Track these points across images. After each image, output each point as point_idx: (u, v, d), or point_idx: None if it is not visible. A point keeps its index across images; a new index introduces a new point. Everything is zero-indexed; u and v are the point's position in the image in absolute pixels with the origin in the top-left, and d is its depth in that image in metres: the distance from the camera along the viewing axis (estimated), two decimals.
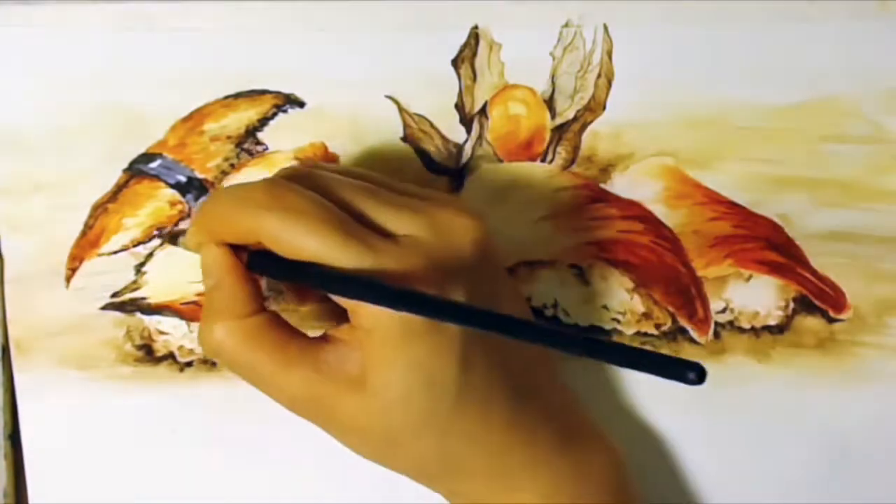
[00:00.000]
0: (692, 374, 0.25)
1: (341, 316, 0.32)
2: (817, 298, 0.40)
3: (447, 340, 0.31)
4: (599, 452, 0.36)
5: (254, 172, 0.38)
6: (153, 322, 0.39)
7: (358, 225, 0.31)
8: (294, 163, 0.38)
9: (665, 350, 0.40)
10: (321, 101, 0.38)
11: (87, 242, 0.38)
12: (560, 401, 0.36)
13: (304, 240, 0.30)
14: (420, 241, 0.31)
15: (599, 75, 0.38)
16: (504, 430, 0.33)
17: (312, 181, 0.32)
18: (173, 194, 0.38)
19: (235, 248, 0.33)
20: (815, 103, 0.39)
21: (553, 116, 0.39)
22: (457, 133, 0.39)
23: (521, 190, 0.39)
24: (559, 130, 0.39)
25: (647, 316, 0.40)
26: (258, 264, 0.33)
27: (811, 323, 0.40)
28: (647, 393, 0.40)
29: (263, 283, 0.39)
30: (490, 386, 0.32)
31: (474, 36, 0.38)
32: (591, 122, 0.39)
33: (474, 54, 0.38)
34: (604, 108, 0.39)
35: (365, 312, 0.31)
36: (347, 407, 0.32)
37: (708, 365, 0.26)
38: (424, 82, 0.38)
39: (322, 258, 0.30)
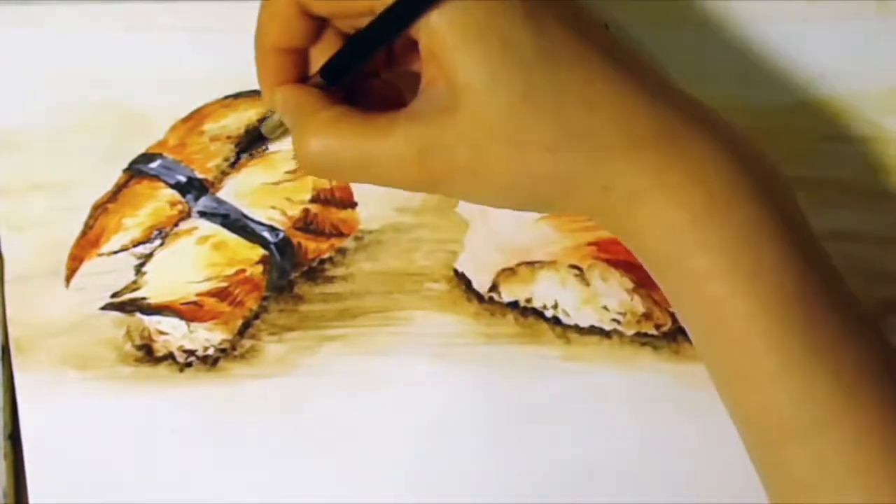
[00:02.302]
0: None
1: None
2: None
3: (505, 4, 0.30)
4: (747, 141, 0.32)
5: (254, 172, 0.38)
6: (153, 322, 0.39)
7: None
8: (296, 164, 0.38)
9: (665, 351, 0.40)
10: None
11: (86, 242, 0.38)
12: (670, 83, 0.33)
13: None
14: None
15: None
16: (622, 95, 0.30)
17: None
18: (173, 194, 0.38)
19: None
20: (815, 103, 0.39)
21: None
22: None
23: None
24: None
25: (647, 316, 0.40)
26: (332, 71, 0.32)
27: None
28: (647, 393, 0.40)
29: (264, 282, 0.39)
30: (578, 46, 0.30)
31: None
32: None
33: None
34: None
35: (429, 37, 0.30)
36: (454, 133, 0.30)
37: None
38: None
39: None
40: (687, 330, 0.33)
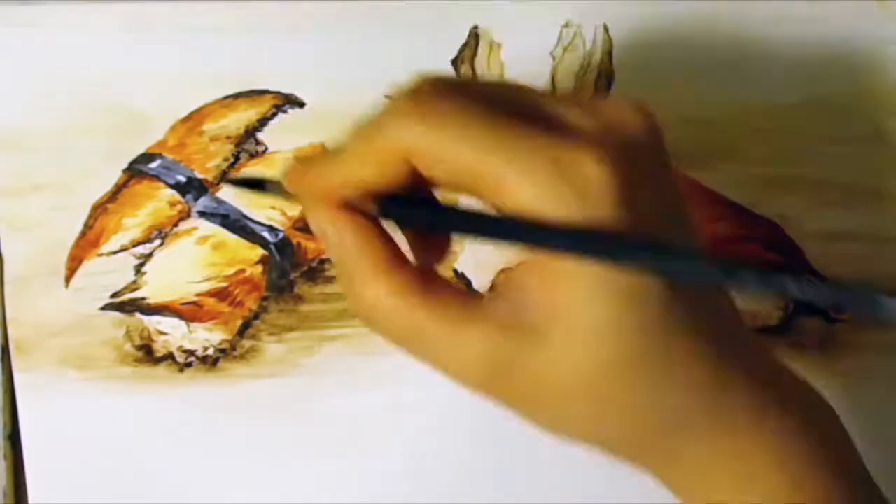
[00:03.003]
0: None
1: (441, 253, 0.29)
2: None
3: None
4: (818, 407, 0.30)
5: (254, 173, 0.38)
6: (153, 322, 0.39)
7: (525, 117, 0.26)
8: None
9: None
10: (321, 101, 0.38)
11: (86, 242, 0.38)
12: (762, 351, 0.30)
13: (464, 144, 0.25)
14: (593, 129, 0.26)
15: (599, 75, 0.38)
16: (723, 365, 0.27)
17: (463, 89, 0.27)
18: (173, 194, 0.38)
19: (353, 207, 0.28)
20: (815, 103, 0.39)
21: None
22: None
23: None
24: None
25: None
26: (393, 212, 0.28)
27: (811, 323, 0.40)
28: None
29: (264, 282, 0.39)
30: (698, 308, 0.27)
31: (474, 36, 0.38)
32: None
33: (474, 54, 0.38)
34: None
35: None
36: (534, 361, 0.26)
37: None
38: None
39: (494, 168, 0.25)
40: None
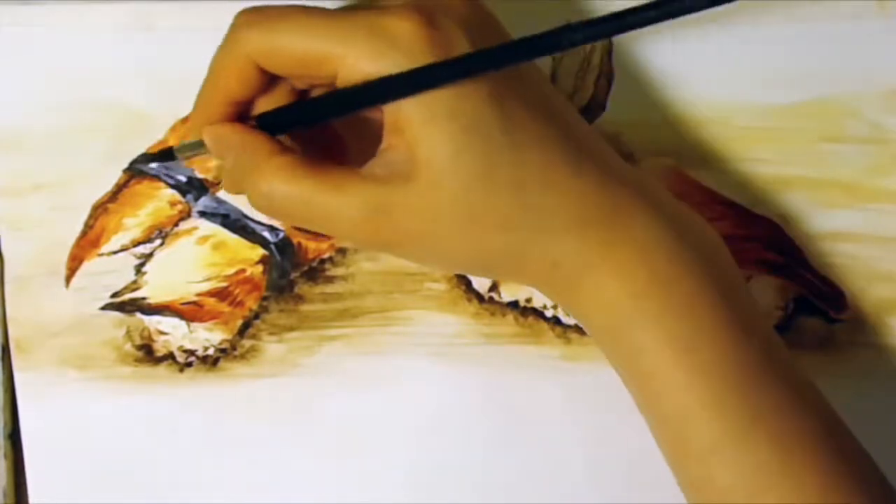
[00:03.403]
0: None
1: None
2: (817, 298, 0.40)
3: (474, 87, 0.30)
4: (692, 218, 0.34)
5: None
6: (153, 322, 0.39)
7: (350, 9, 0.31)
8: None
9: None
10: None
11: (87, 242, 0.38)
12: (621, 162, 0.34)
13: (300, 33, 0.30)
14: (413, 1, 0.31)
15: (599, 75, 0.38)
16: (576, 173, 0.32)
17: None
18: (173, 194, 0.38)
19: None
20: (815, 103, 0.39)
21: None
22: None
23: None
24: None
25: None
26: (273, 123, 0.32)
27: (811, 323, 0.40)
28: None
29: (264, 282, 0.39)
30: (540, 128, 0.32)
31: None
32: (591, 122, 0.39)
33: None
34: (604, 108, 0.39)
35: (395, 111, 0.31)
36: (410, 202, 0.31)
37: None
38: None
39: (323, 48, 0.30)
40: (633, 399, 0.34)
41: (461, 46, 0.31)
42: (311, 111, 0.32)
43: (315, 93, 0.33)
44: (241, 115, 0.33)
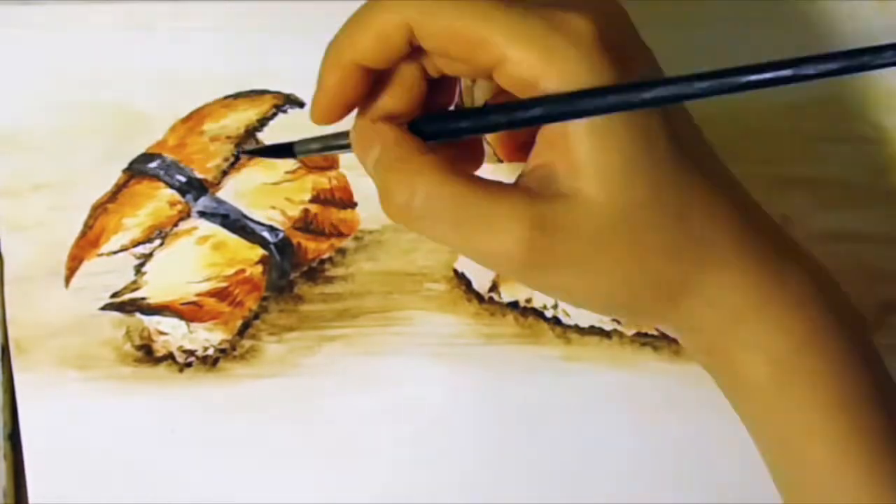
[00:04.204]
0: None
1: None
2: None
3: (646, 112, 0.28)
4: (806, 254, 0.32)
5: (254, 172, 0.38)
6: (153, 322, 0.39)
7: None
8: (296, 164, 0.38)
9: (665, 351, 0.40)
10: None
11: (86, 242, 0.38)
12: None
13: (462, 12, 0.27)
14: (584, 2, 0.28)
15: None
16: (739, 208, 0.30)
17: None
18: (173, 194, 0.38)
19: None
20: (815, 103, 0.39)
21: None
22: None
23: None
24: None
25: None
26: (428, 128, 0.29)
27: None
28: (647, 393, 0.40)
29: (264, 282, 0.39)
30: (705, 155, 0.30)
31: None
32: None
33: None
34: None
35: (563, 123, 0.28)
36: (572, 219, 0.28)
37: None
38: None
39: (484, 29, 0.27)
40: (763, 456, 0.32)
41: (640, 61, 0.29)
42: (475, 121, 0.29)
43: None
44: (365, 90, 0.29)
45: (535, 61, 0.27)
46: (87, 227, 0.38)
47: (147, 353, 0.39)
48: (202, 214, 0.39)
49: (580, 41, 0.27)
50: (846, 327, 0.30)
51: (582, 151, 0.27)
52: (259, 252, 0.39)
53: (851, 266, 0.40)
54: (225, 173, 0.38)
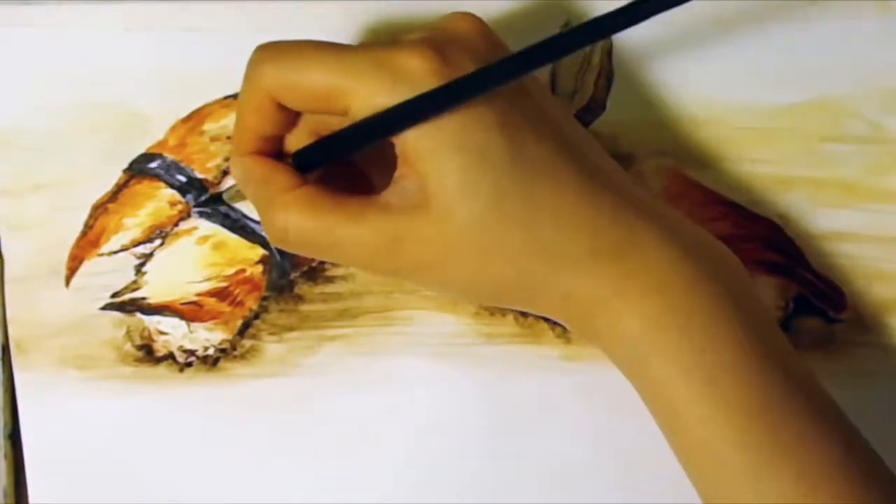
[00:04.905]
0: None
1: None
2: (817, 298, 0.40)
3: (480, 115, 0.30)
4: (711, 246, 0.33)
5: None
6: (153, 322, 0.39)
7: (364, 44, 0.32)
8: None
9: None
10: None
11: (87, 242, 0.38)
12: (637, 189, 0.34)
13: (312, 68, 0.31)
14: (421, 36, 0.31)
15: (599, 75, 0.38)
16: (589, 207, 0.32)
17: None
18: (173, 194, 0.38)
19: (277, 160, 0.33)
20: (815, 103, 0.39)
21: None
22: None
23: None
24: None
25: None
26: (304, 160, 0.33)
27: (811, 323, 0.40)
28: None
29: (264, 282, 0.39)
30: (553, 160, 0.31)
31: None
32: (591, 122, 0.39)
33: None
34: (604, 108, 0.39)
35: (404, 142, 0.31)
36: (423, 233, 0.31)
37: None
38: None
39: (335, 82, 0.30)
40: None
41: (471, 64, 0.31)
42: (332, 146, 0.32)
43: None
44: (276, 150, 0.34)
45: (375, 99, 0.30)
46: (88, 227, 0.38)
47: (147, 353, 0.39)
48: (202, 214, 0.39)
49: (407, 75, 0.30)
50: (717, 302, 0.32)
51: (425, 170, 0.30)
52: (259, 252, 0.39)
53: (851, 266, 0.40)
54: (225, 173, 0.38)
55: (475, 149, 0.30)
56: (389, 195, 0.32)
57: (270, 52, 0.32)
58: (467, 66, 0.31)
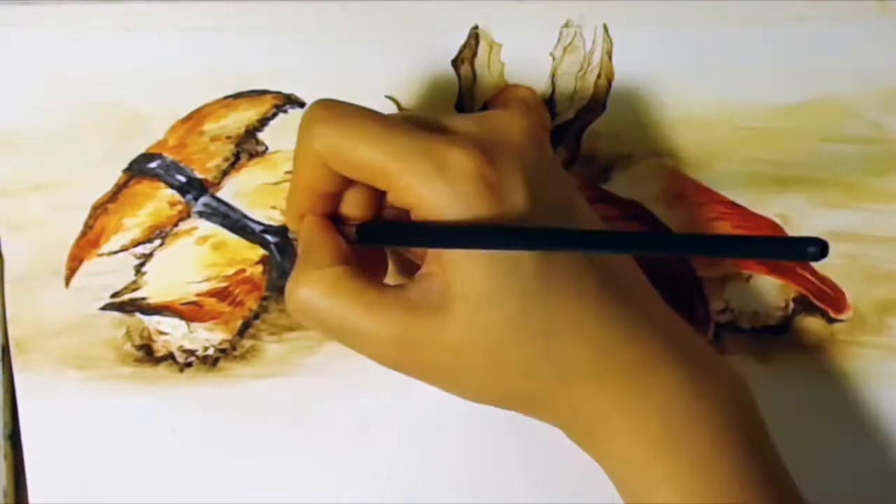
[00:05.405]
0: (813, 248, 0.24)
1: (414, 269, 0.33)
2: (817, 298, 0.40)
3: None
4: (718, 370, 0.34)
5: (254, 172, 0.38)
6: (153, 322, 0.39)
7: (413, 124, 0.31)
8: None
9: None
10: None
11: (87, 242, 0.38)
12: (658, 306, 0.34)
13: (361, 141, 0.30)
14: (473, 133, 0.31)
15: (599, 75, 0.38)
16: (607, 324, 0.32)
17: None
18: (173, 194, 0.38)
19: (341, 226, 0.33)
20: (815, 103, 0.39)
21: (553, 117, 0.39)
22: None
23: None
24: (559, 131, 0.39)
25: None
26: (364, 235, 0.33)
27: (811, 323, 0.40)
28: None
29: (264, 282, 0.39)
30: (578, 275, 0.31)
31: (474, 36, 0.38)
32: (591, 122, 0.39)
33: (474, 54, 0.38)
34: (604, 108, 0.39)
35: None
36: (438, 337, 0.31)
37: None
38: (424, 82, 0.38)
39: (381, 161, 0.30)
40: None
41: (515, 194, 0.30)
42: (387, 234, 0.33)
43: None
44: (333, 205, 0.33)
45: (416, 190, 0.30)
46: (88, 227, 0.38)
47: (147, 353, 0.39)
48: (202, 214, 0.39)
49: (453, 175, 0.30)
50: (717, 429, 0.32)
51: (453, 275, 0.30)
52: (259, 252, 0.39)
53: (851, 266, 0.40)
54: (225, 173, 0.38)
55: (506, 258, 0.30)
56: (410, 290, 0.31)
57: (324, 112, 0.31)
58: (512, 179, 0.30)
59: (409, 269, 0.35)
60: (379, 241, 0.34)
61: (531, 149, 0.32)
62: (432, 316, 0.31)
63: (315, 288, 0.31)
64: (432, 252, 0.31)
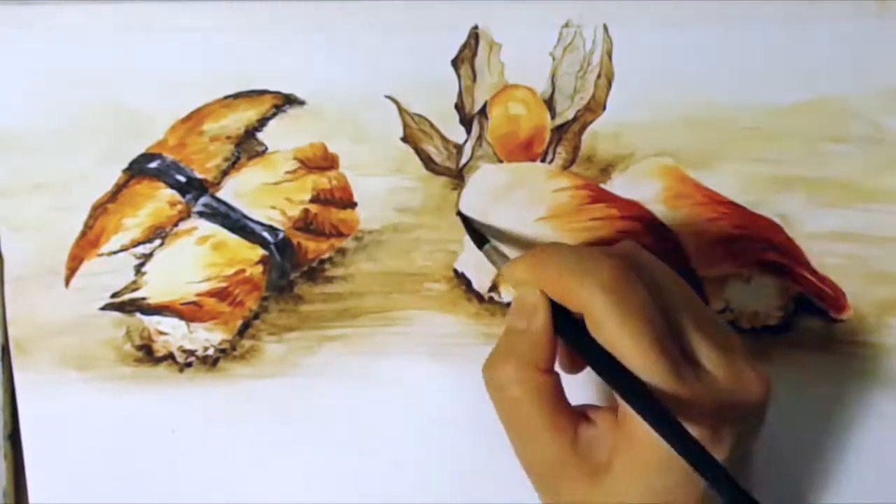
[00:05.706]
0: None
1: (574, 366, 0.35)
2: (817, 298, 0.40)
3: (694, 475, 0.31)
4: None
5: (254, 172, 0.38)
6: (153, 322, 0.39)
7: (673, 344, 0.32)
8: (296, 164, 0.38)
9: None
10: (321, 101, 0.38)
11: (86, 242, 0.38)
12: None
13: (622, 336, 0.31)
14: (718, 383, 0.32)
15: (599, 75, 0.38)
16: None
17: (646, 271, 0.33)
18: (173, 194, 0.38)
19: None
20: (815, 103, 0.39)
21: (553, 116, 0.39)
22: (457, 133, 0.39)
23: (521, 190, 0.39)
24: (559, 131, 0.39)
25: None
26: (563, 327, 0.33)
27: (811, 323, 0.40)
28: None
29: (264, 282, 0.39)
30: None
31: (474, 36, 0.38)
32: (591, 122, 0.39)
33: (474, 54, 0.38)
34: (604, 108, 0.39)
35: (623, 408, 0.32)
36: (581, 486, 0.32)
37: None
38: (424, 82, 0.38)
39: (626, 358, 0.31)
40: None
41: (730, 435, 0.32)
42: (597, 359, 0.33)
43: None
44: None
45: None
46: (87, 227, 0.38)
47: (147, 353, 0.39)
48: (202, 214, 0.39)
49: (640, 343, 0.31)
50: None
51: (628, 454, 0.32)
52: (259, 252, 0.39)
53: (851, 266, 0.40)
54: (225, 173, 0.38)
55: (669, 485, 0.31)
56: (586, 429, 0.33)
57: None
58: (726, 437, 0.32)
59: (575, 364, 0.36)
60: (573, 342, 0.34)
61: (757, 419, 0.33)
62: (589, 466, 0.32)
63: (523, 385, 0.33)
64: (624, 415, 0.32)
